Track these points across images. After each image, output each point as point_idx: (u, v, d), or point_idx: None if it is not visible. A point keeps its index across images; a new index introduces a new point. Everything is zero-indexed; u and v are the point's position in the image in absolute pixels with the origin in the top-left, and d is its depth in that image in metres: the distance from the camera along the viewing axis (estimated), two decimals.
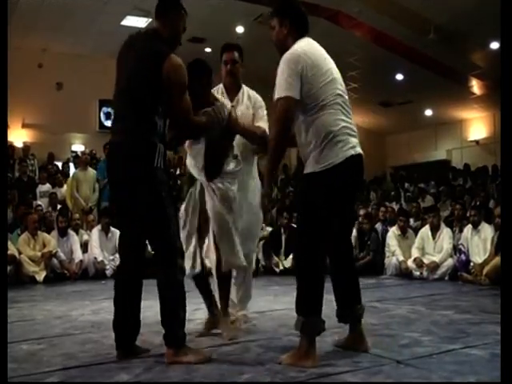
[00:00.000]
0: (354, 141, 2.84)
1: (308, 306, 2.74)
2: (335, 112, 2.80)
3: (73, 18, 10.47)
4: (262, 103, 3.77)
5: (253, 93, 3.81)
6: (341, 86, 2.91)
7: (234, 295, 3.71)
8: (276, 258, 8.23)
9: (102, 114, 13.52)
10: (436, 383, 2.41)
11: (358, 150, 2.84)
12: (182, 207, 3.47)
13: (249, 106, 3.70)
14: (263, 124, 3.66)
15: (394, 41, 11.04)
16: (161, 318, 2.84)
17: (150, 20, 10.84)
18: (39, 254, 7.38)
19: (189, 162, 3.45)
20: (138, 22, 11.07)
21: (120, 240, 3.18)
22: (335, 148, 2.76)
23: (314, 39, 2.97)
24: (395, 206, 10.19)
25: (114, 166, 2.94)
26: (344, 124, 2.82)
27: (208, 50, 12.45)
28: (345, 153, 2.76)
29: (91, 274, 7.70)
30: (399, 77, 12.77)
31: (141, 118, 2.84)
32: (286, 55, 2.81)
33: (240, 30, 11.25)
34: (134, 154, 2.81)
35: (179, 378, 2.52)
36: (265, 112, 3.74)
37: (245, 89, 3.79)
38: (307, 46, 2.86)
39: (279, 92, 2.78)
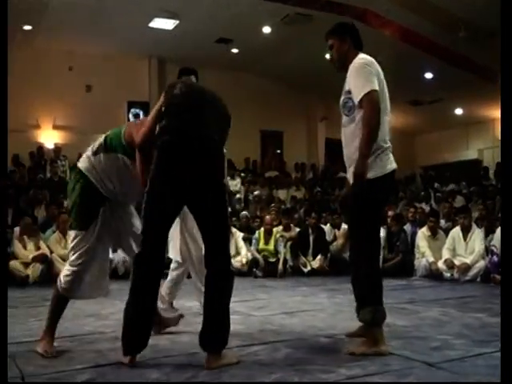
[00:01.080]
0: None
1: (377, 297, 2.97)
2: (386, 122, 3.06)
3: (102, 20, 10.59)
4: None
5: None
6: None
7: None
8: (304, 259, 8.20)
9: (130, 115, 13.66)
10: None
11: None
12: None
13: None
14: None
15: (423, 39, 10.88)
16: (210, 323, 2.78)
17: (178, 22, 10.93)
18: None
19: None
20: (166, 24, 11.14)
21: (158, 234, 2.86)
22: (386, 158, 3.02)
23: None
24: (425, 207, 10.06)
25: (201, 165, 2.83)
26: (389, 137, 3.09)
27: (235, 50, 12.49)
28: (392, 164, 3.05)
29: (120, 273, 7.78)
30: (428, 75, 12.57)
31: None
32: (359, 61, 3.04)
33: (267, 30, 11.24)
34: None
35: (208, 378, 2.53)
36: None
37: None
38: (370, 58, 3.09)
39: (364, 88, 2.94)
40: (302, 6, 10.07)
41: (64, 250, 7.51)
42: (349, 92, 3.06)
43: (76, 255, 3.03)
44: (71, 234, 3.15)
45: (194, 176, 2.75)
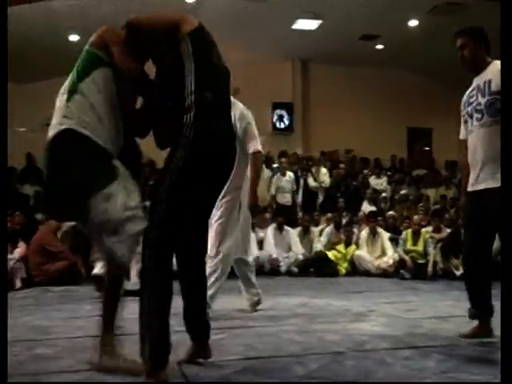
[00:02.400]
0: None
1: None
2: None
3: (247, 24, 10.95)
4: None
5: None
6: None
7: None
8: (456, 261, 7.75)
9: (275, 117, 13.95)
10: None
11: None
12: None
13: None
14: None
15: None
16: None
17: (321, 22, 10.93)
18: None
19: None
20: (309, 25, 11.21)
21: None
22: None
23: None
24: None
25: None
26: None
27: (380, 46, 12.19)
28: None
29: (266, 269, 7.99)
30: None
31: None
32: None
33: (413, 23, 10.83)
34: None
35: (354, 378, 2.48)
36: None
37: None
38: None
39: None
40: None
41: None
42: (497, 93, 3.05)
43: None
44: None
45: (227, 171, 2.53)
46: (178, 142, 2.26)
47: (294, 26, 11.27)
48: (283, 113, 13.95)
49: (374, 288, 6.25)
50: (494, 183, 3.02)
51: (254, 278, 4.50)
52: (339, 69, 12.97)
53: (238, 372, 2.56)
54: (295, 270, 7.94)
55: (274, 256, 7.96)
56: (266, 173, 9.88)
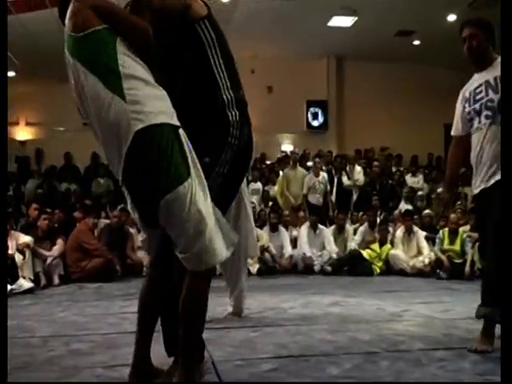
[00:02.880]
0: None
1: None
2: None
3: (283, 23, 10.93)
4: None
5: None
6: None
7: None
8: None
9: (309, 114, 13.89)
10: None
11: None
12: None
13: None
14: None
15: None
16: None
17: (356, 18, 10.83)
18: None
19: None
20: (345, 22, 11.12)
21: None
22: None
23: None
24: None
25: None
26: None
27: (416, 42, 12.00)
28: None
29: (300, 268, 7.96)
30: None
31: None
32: None
33: (452, 18, 10.61)
34: None
35: (391, 378, 2.44)
36: None
37: None
38: None
39: None
40: None
41: None
42: None
43: None
44: None
45: None
46: (223, 140, 2.20)
47: (330, 23, 11.21)
48: (317, 111, 13.88)
49: (409, 288, 6.16)
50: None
51: (244, 278, 4.12)
52: (374, 66, 12.83)
53: (270, 371, 2.56)
54: (329, 268, 7.89)
55: (308, 255, 7.93)
56: (300, 171, 9.85)
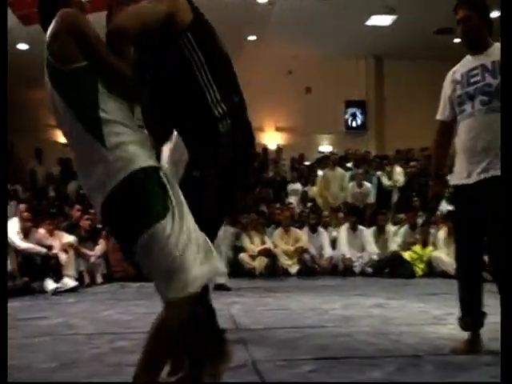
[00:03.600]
0: None
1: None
2: None
3: (319, 23, 10.88)
4: None
5: None
6: None
7: None
8: None
9: (348, 115, 13.78)
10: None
11: None
12: None
13: None
14: None
15: None
16: None
17: (395, 17, 10.69)
18: (292, 248, 7.85)
19: None
20: (383, 21, 10.99)
21: None
22: None
23: None
24: None
25: None
26: None
27: (457, 40, 11.74)
28: None
29: (340, 269, 7.90)
30: None
31: None
32: None
33: (495, 14, 10.34)
34: None
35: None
36: None
37: None
38: None
39: None
40: None
41: (286, 245, 7.93)
42: None
43: None
44: None
45: None
46: (215, 150, 2.08)
47: (368, 23, 11.10)
48: (356, 111, 13.77)
49: (452, 290, 5.96)
50: (497, 172, 2.69)
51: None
52: (414, 64, 12.64)
53: (311, 372, 2.55)
54: (369, 270, 7.80)
55: (348, 256, 7.86)
56: (339, 172, 9.77)
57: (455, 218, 3.12)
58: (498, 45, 2.85)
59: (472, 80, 2.87)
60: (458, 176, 2.91)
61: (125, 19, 1.91)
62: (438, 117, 3.11)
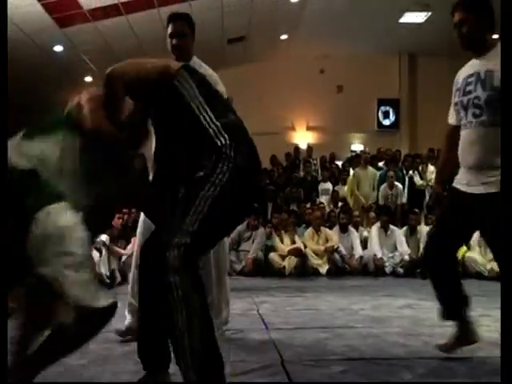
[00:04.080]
0: None
1: None
2: None
3: (351, 21, 10.80)
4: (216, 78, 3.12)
5: (206, 67, 3.16)
6: None
7: None
8: None
9: (380, 113, 13.64)
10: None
11: None
12: None
13: None
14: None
15: None
16: None
17: (429, 14, 10.53)
18: (322, 248, 7.81)
19: None
20: (417, 18, 10.85)
21: None
22: None
23: None
24: None
25: None
26: None
27: (495, 36, 11.50)
28: None
29: (371, 269, 7.83)
30: None
31: None
32: None
33: None
34: None
35: None
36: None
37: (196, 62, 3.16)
38: None
39: None
40: None
41: (316, 245, 7.89)
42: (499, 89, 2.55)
43: None
44: None
45: None
46: (215, 162, 2.01)
47: (401, 20, 10.97)
48: (389, 109, 13.62)
49: (486, 292, 5.89)
50: (492, 188, 2.58)
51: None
52: (448, 61, 12.35)
53: (340, 372, 2.53)
54: (401, 270, 7.71)
55: (379, 256, 7.78)
56: (371, 171, 9.68)
57: (442, 211, 3.05)
58: (499, 45, 2.71)
59: (467, 89, 2.77)
60: (459, 181, 2.84)
61: (122, 65, 2.07)
62: (450, 121, 3.03)
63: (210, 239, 2.06)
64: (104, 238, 6.65)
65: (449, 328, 3.65)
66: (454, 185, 2.88)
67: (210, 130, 2.03)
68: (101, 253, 6.46)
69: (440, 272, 2.93)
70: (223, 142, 2.01)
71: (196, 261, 1.93)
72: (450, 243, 2.86)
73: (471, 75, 2.78)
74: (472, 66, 2.83)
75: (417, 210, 8.49)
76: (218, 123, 2.04)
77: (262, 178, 2.35)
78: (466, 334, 2.88)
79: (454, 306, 2.93)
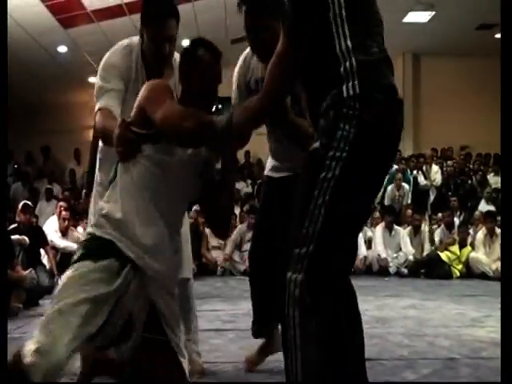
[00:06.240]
0: None
1: None
2: None
3: None
4: None
5: None
6: None
7: None
8: None
9: None
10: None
11: None
12: None
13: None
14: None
15: None
16: None
17: (434, 13, 10.50)
18: None
19: None
20: (421, 17, 10.80)
21: None
22: None
23: None
24: None
25: None
26: None
27: (498, 35, 11.48)
28: None
29: (375, 270, 7.82)
30: None
31: None
32: None
33: None
34: None
35: None
36: None
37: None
38: None
39: None
40: None
41: None
42: None
43: None
44: None
45: None
46: (332, 127, 1.51)
47: (405, 20, 10.94)
48: None
49: (491, 292, 5.88)
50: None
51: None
52: (453, 61, 12.40)
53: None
54: (405, 271, 7.70)
55: (383, 256, 7.77)
56: None
57: None
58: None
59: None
60: None
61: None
62: None
63: (336, 249, 1.56)
64: None
65: (453, 329, 3.67)
66: None
67: (343, 65, 1.57)
68: None
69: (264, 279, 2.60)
70: (347, 92, 1.54)
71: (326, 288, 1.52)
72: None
73: None
74: None
75: (421, 210, 8.50)
76: (351, 57, 1.59)
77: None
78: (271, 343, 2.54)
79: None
